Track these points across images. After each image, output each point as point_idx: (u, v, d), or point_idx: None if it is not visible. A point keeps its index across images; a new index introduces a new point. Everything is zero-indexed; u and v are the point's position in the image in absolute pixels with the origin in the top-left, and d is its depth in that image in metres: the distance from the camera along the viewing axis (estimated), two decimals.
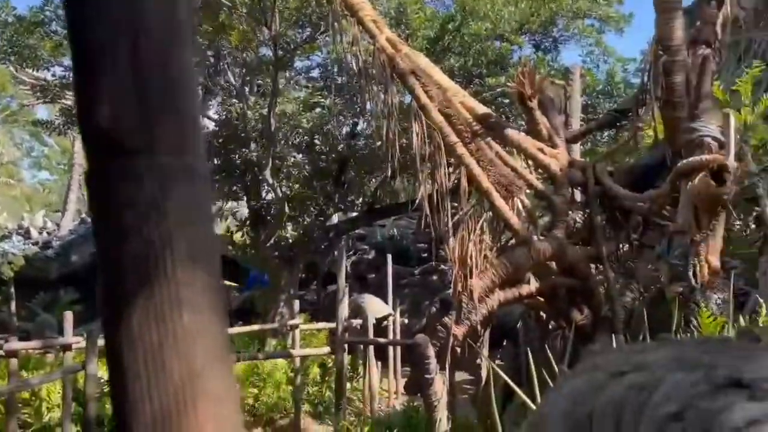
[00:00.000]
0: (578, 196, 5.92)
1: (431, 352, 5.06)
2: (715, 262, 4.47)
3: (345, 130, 11.51)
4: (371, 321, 9.78)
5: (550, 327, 5.67)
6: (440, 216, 5.21)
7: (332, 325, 10.54)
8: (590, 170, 5.64)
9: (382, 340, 9.03)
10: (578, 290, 5.49)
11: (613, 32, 13.84)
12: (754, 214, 5.55)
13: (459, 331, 5.13)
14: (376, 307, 10.38)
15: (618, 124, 5.95)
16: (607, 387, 1.00)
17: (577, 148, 7.79)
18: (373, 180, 10.59)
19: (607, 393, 0.98)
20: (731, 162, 4.24)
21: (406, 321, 11.51)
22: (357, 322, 9.97)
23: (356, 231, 16.27)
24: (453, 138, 5.30)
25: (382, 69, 5.44)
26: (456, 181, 5.30)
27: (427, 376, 5.10)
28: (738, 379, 0.85)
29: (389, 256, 11.18)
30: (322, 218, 11.59)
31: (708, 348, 1.02)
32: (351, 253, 17.63)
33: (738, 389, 0.85)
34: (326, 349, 8.94)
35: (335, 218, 14.80)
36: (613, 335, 5.07)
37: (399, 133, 5.50)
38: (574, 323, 5.48)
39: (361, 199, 12.01)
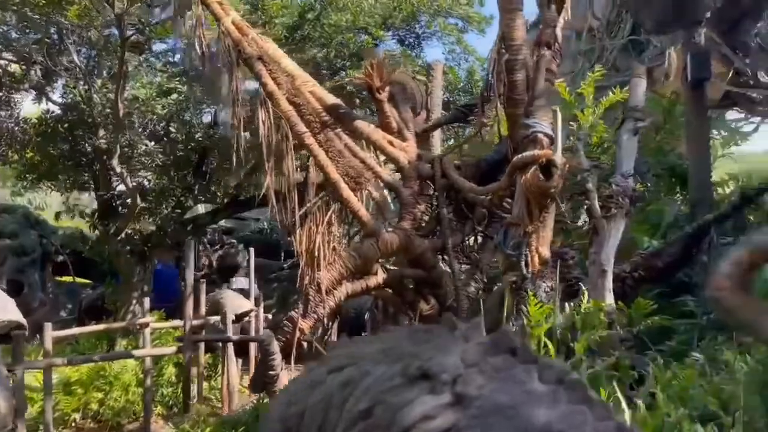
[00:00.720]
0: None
1: (276, 347, 4.92)
2: (545, 252, 4.70)
3: (208, 118, 11.03)
4: (230, 317, 9.44)
5: (398, 318, 5.73)
6: (287, 208, 5.08)
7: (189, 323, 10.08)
8: (437, 163, 5.75)
9: (234, 337, 8.73)
10: (425, 281, 5.59)
11: (476, 32, 14.37)
12: (585, 206, 5.93)
13: (305, 324, 5.03)
14: (236, 302, 10.02)
15: (466, 119, 6.12)
16: (323, 384, 0.92)
17: (438, 143, 7.98)
18: (239, 171, 10.24)
19: (321, 390, 0.90)
20: (558, 157, 4.47)
21: (270, 316, 11.25)
22: (215, 318, 9.58)
23: (224, 224, 15.70)
24: (301, 127, 5.18)
25: (228, 54, 5.20)
26: (305, 173, 5.19)
27: (271, 372, 4.95)
28: (426, 371, 0.79)
29: (251, 250, 10.86)
30: (180, 210, 11.03)
31: (416, 339, 0.97)
32: (218, 247, 17.03)
33: (425, 382, 0.80)
34: (172, 349, 8.50)
35: (201, 209, 14.18)
36: None
37: (247, 122, 5.29)
38: (420, 313, 5.58)
39: (223, 191, 11.58)
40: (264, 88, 5.19)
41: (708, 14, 8.28)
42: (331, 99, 5.47)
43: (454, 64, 11.84)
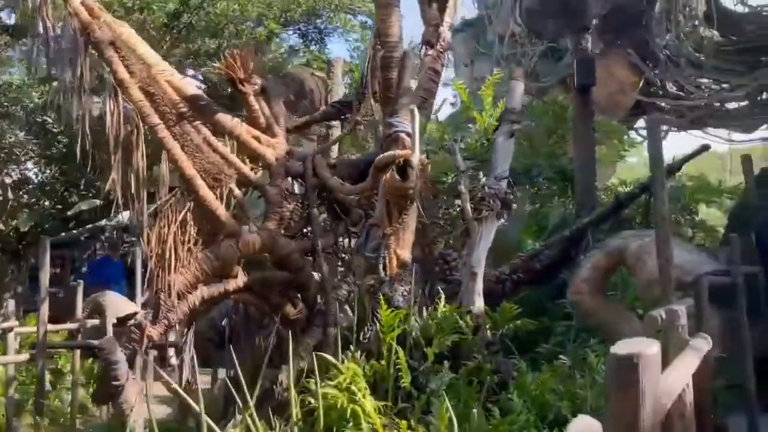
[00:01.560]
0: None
1: (119, 356, 4.55)
2: (405, 254, 4.57)
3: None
4: (110, 321, 8.88)
5: (262, 323, 5.46)
6: (135, 206, 4.71)
7: (67, 326, 9.46)
8: (309, 161, 5.53)
9: (73, 343, 8.22)
10: (291, 283, 5.35)
11: None
12: (459, 208, 5.87)
13: (154, 332, 4.68)
14: (118, 305, 9.45)
15: (342, 117, 5.93)
16: None
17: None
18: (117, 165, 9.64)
19: None
20: (416, 157, 4.34)
21: None
22: (93, 322, 9.00)
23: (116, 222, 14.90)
24: (154, 119, 4.82)
25: (74, 37, 4.78)
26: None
27: (114, 383, 4.58)
28: None
29: (139, 250, 10.28)
30: (62, 206, 10.33)
31: None
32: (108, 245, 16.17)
33: None
34: (23, 357, 7.89)
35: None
36: (326, 329, 5.01)
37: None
38: (286, 317, 5.34)
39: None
40: (114, 75, 4.80)
41: (595, 21, 8.46)
42: (192, 90, 5.15)
43: (360, 62, 11.69)
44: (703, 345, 2.86)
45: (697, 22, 18.15)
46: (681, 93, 20.51)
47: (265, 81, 5.71)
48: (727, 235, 5.42)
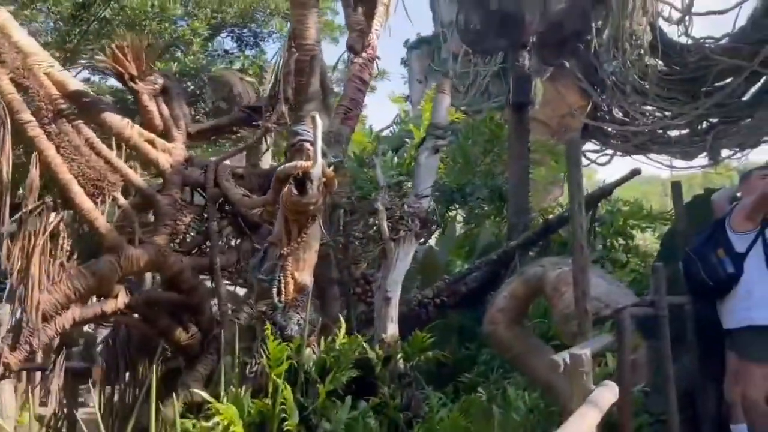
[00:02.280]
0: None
1: None
2: (304, 278, 4.10)
3: None
4: None
5: (149, 348, 4.89)
6: None
7: None
8: (211, 170, 5.02)
9: None
10: (183, 305, 4.81)
11: (327, 39, 13.86)
12: (375, 227, 5.44)
13: (13, 358, 4.07)
14: None
15: (251, 122, 5.44)
16: None
17: None
18: None
19: None
20: (317, 169, 3.89)
21: None
22: None
23: None
24: (25, 115, 4.23)
25: None
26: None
27: None
28: None
29: None
30: None
31: None
32: None
33: None
34: None
35: None
36: (221, 357, 4.48)
37: None
38: (177, 343, 4.79)
39: None
40: None
41: (532, 38, 8.22)
42: (75, 84, 4.57)
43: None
44: (606, 396, 2.49)
45: (642, 51, 18.51)
46: (626, 119, 20.89)
47: (167, 80, 5.19)
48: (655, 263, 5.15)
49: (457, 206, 9.04)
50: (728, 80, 18.79)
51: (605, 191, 6.72)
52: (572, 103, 20.59)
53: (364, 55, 6.40)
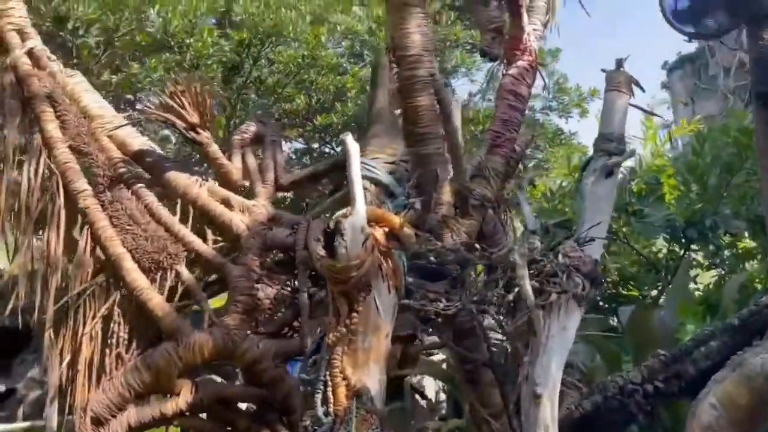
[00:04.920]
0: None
1: None
2: (360, 378, 2.76)
3: None
4: None
5: None
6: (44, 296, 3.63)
7: None
8: (302, 229, 4.03)
9: None
10: (265, 401, 3.81)
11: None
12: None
13: None
14: None
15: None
16: None
17: None
18: None
19: None
20: (355, 219, 2.61)
21: None
22: None
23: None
24: (80, 184, 3.77)
25: (3, 91, 3.98)
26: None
27: None
28: None
29: None
30: None
31: None
32: None
33: None
34: None
35: None
36: None
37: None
38: None
39: None
40: (42, 134, 3.87)
41: None
42: (139, 144, 4.02)
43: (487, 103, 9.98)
44: None
45: None
46: None
47: (262, 126, 4.42)
48: None
49: (693, 247, 6.74)
50: None
51: None
52: None
53: (519, 63, 4.99)
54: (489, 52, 4.55)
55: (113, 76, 7.12)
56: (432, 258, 3.88)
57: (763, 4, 5.78)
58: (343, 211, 2.68)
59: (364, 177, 3.02)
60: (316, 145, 8.34)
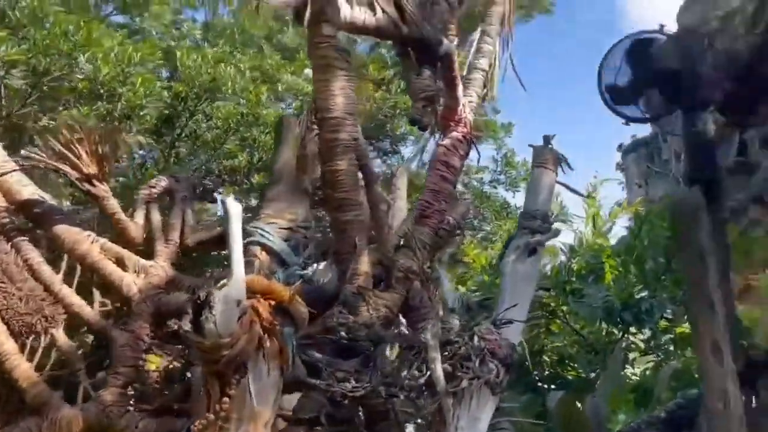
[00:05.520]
0: None
1: None
2: None
3: None
4: None
5: None
6: None
7: None
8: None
9: None
10: None
11: (489, 142, 12.62)
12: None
13: None
14: None
15: None
16: None
17: None
18: None
19: None
20: (231, 290, 2.32)
21: None
22: None
23: None
24: None
25: None
26: None
27: None
28: None
29: None
30: None
31: None
32: None
33: None
34: None
35: None
36: None
37: None
38: None
39: None
40: None
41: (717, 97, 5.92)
42: (28, 192, 3.67)
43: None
44: None
45: None
46: None
47: (173, 182, 4.13)
48: None
49: (632, 330, 6.59)
50: None
51: None
52: None
53: (453, 134, 4.88)
54: (419, 120, 4.40)
55: (50, 122, 6.79)
56: (343, 333, 3.58)
57: (697, 94, 5.89)
58: (224, 281, 2.39)
59: (254, 243, 2.75)
60: (254, 203, 8.10)
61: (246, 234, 2.93)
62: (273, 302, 2.50)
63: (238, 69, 6.70)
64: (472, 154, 5.18)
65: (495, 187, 11.54)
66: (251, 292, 2.39)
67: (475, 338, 3.41)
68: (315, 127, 3.89)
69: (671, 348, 6.71)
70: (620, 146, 23.93)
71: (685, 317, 7.03)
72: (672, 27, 6.04)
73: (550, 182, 4.01)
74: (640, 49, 5.81)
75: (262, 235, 3.08)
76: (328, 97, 3.86)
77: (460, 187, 11.41)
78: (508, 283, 3.70)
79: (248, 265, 2.80)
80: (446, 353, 3.43)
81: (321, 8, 3.77)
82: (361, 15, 4.06)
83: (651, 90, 5.96)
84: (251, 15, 8.15)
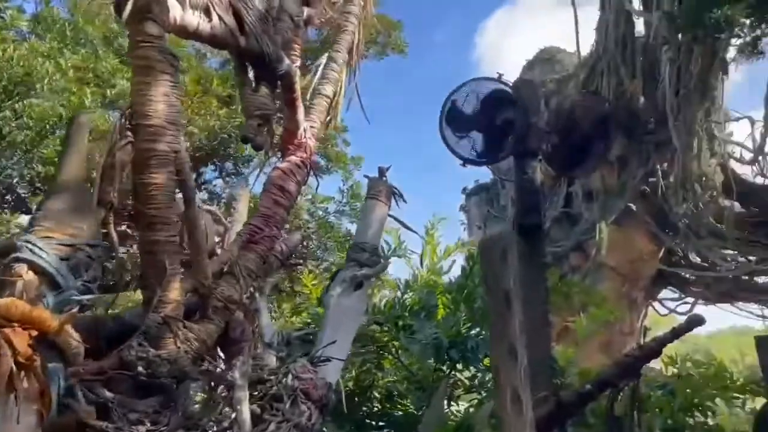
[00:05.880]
0: None
1: None
2: None
3: None
4: None
5: None
6: None
7: None
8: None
9: None
10: None
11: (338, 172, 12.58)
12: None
13: None
14: None
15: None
16: None
17: None
18: None
19: None
20: None
21: None
22: None
23: None
24: None
25: None
26: None
27: None
28: None
29: None
30: None
31: None
32: None
33: None
34: None
35: None
36: None
37: None
38: None
39: None
40: None
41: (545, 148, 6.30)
42: None
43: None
44: None
45: (715, 193, 16.46)
46: (705, 264, 18.24)
47: None
48: None
49: (458, 368, 6.69)
50: None
51: (652, 351, 4.32)
52: (642, 247, 18.23)
53: (292, 158, 4.67)
54: (252, 139, 4.15)
55: None
56: (142, 368, 3.17)
57: (528, 142, 6.21)
58: None
59: (21, 260, 2.31)
60: None
61: (11, 249, 2.46)
62: (34, 332, 2.07)
63: (59, 66, 5.99)
64: (312, 181, 5.02)
65: (339, 218, 11.52)
66: (4, 319, 1.96)
67: (289, 377, 3.16)
68: (129, 134, 3.48)
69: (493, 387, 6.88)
70: (464, 189, 25.18)
71: None
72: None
73: (382, 215, 3.92)
74: (478, 94, 6.04)
75: (32, 251, 2.61)
76: (147, 103, 3.50)
77: (305, 216, 11.24)
78: (331, 317, 3.51)
79: (8, 287, 2.33)
80: (257, 393, 3.15)
81: (147, 4, 3.42)
82: (195, 19, 3.75)
83: (486, 134, 6.22)
84: (86, 12, 7.46)
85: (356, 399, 7.00)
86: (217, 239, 5.02)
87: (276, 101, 4.55)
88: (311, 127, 4.84)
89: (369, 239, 3.76)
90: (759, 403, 6.93)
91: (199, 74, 8.03)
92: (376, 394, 7.22)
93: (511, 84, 6.33)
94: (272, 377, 3.15)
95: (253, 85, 4.22)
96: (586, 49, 16.97)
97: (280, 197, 4.49)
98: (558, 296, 7.70)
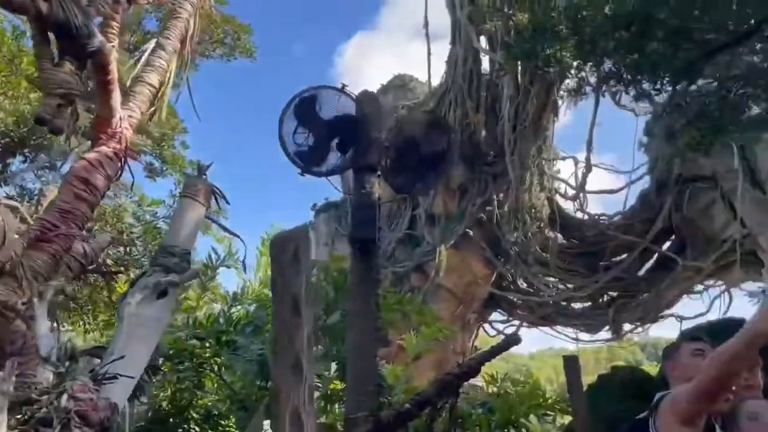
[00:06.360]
0: None
1: None
2: None
3: None
4: None
5: None
6: None
7: None
8: None
9: None
10: None
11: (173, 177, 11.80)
12: None
13: None
14: None
15: None
16: None
17: None
18: None
19: None
20: None
21: None
22: None
23: None
24: None
25: None
26: None
27: None
28: None
29: None
30: None
31: None
32: None
33: None
34: None
35: None
36: None
37: None
38: None
39: None
40: None
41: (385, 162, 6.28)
42: None
43: None
44: None
45: (542, 224, 17.82)
46: (530, 290, 19.64)
47: None
48: None
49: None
50: (624, 255, 18.19)
51: (471, 368, 4.34)
52: (477, 271, 19.17)
53: (103, 149, 4.14)
54: (48, 120, 3.60)
55: None
56: None
57: (366, 156, 6.13)
58: None
59: None
60: None
61: None
62: None
63: None
64: (129, 177, 4.53)
65: (169, 224, 10.73)
66: None
67: (64, 398, 2.69)
68: None
69: (323, 404, 6.66)
70: (314, 206, 24.99)
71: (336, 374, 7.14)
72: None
73: (198, 216, 3.56)
74: (321, 104, 5.87)
75: None
76: None
77: (129, 219, 10.32)
78: (125, 329, 3.07)
79: None
80: (20, 416, 2.64)
81: None
82: None
83: (327, 145, 6.05)
84: None
85: (171, 420, 6.41)
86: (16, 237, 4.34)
87: (88, 83, 4.06)
88: (129, 116, 4.36)
89: (180, 242, 3.38)
90: (568, 419, 7.37)
91: (12, 51, 7.07)
92: (195, 415, 6.67)
93: (354, 96, 6.23)
94: (43, 397, 2.66)
95: (56, 59, 3.69)
96: (436, 80, 17.69)
97: (83, 191, 3.95)
98: (396, 315, 7.69)
